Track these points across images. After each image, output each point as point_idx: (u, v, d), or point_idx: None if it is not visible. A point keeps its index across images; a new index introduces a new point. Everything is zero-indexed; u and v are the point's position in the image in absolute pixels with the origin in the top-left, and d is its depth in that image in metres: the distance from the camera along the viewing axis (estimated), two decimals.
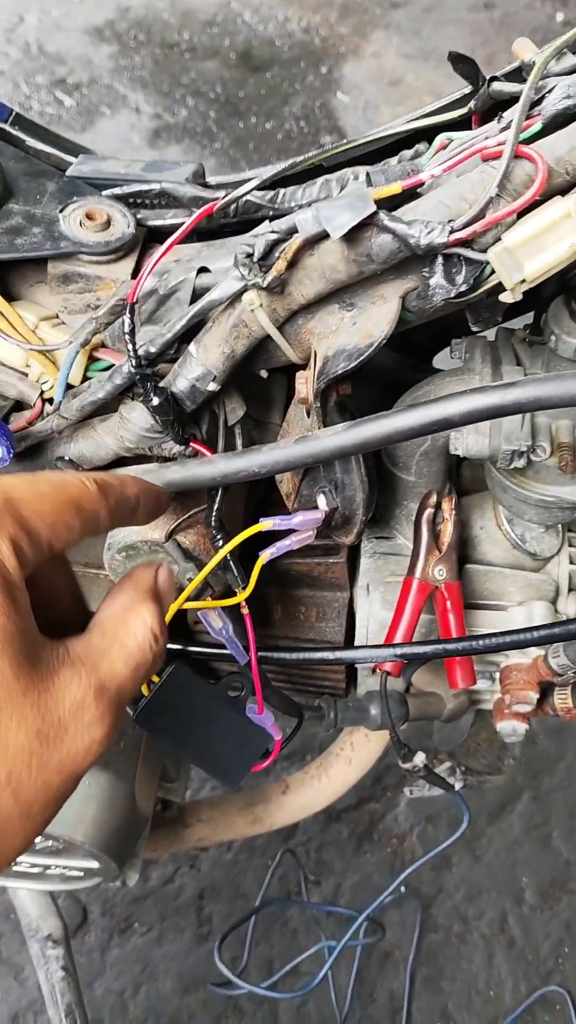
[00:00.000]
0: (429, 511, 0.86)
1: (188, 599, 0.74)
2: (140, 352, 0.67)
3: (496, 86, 0.65)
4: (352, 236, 0.61)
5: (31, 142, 0.81)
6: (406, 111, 0.76)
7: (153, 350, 0.68)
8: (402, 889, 1.71)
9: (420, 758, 0.92)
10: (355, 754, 1.25)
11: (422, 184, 0.61)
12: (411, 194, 0.64)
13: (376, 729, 0.95)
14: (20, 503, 0.47)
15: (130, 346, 0.64)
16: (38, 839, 0.90)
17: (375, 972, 1.66)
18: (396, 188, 0.60)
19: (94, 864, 0.93)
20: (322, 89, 3.27)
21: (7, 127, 0.81)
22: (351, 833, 1.79)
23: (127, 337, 0.64)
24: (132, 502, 0.56)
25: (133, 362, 0.65)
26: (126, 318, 0.64)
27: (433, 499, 0.86)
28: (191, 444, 0.71)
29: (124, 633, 0.53)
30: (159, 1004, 1.60)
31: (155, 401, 0.65)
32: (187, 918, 1.68)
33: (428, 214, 0.60)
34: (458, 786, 0.95)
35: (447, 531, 0.87)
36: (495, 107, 0.66)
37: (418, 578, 0.86)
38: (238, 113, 3.19)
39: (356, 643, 0.95)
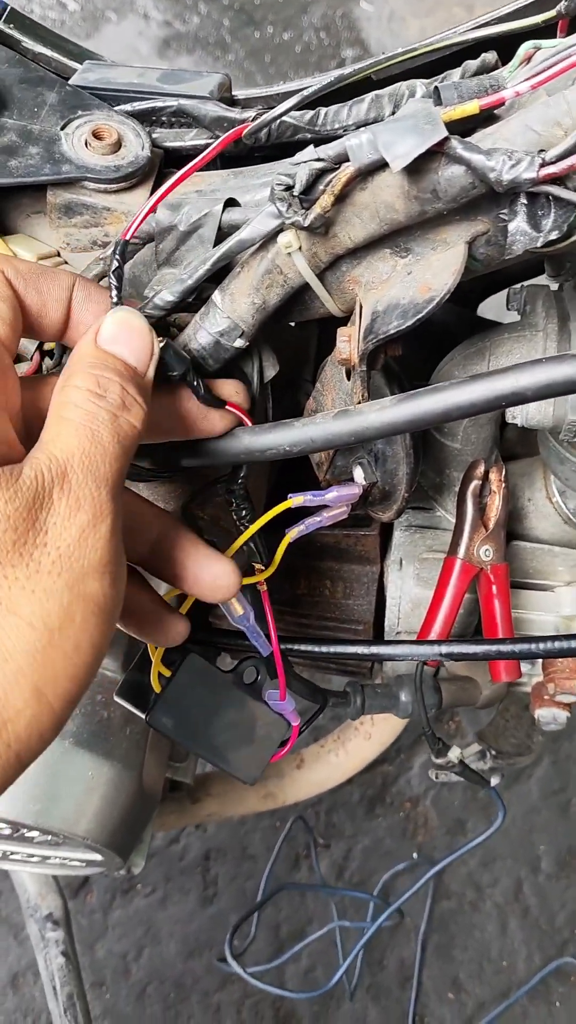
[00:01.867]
0: (476, 483, 0.77)
1: None
2: (157, 301, 0.57)
3: None
4: (415, 167, 0.50)
5: (28, 43, 0.69)
6: (433, 24, 0.64)
7: (171, 298, 0.58)
8: (414, 855, 1.65)
9: (455, 753, 0.85)
10: (375, 729, 1.18)
11: (502, 104, 0.50)
12: (486, 117, 0.52)
13: (406, 718, 0.87)
14: None
15: (114, 292, 0.53)
16: (35, 833, 0.82)
17: (385, 939, 1.62)
18: (472, 108, 0.49)
19: (96, 857, 0.86)
20: None
21: (0, 25, 0.69)
22: (362, 796, 1.73)
23: (112, 280, 0.53)
24: (55, 287, 0.50)
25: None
26: (115, 259, 0.52)
27: (480, 469, 0.77)
28: (228, 408, 0.59)
29: (61, 404, 0.45)
30: (162, 967, 1.56)
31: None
32: (192, 879, 1.63)
33: (512, 142, 0.49)
34: (494, 781, 0.88)
35: (495, 505, 0.78)
36: None
37: (461, 558, 0.77)
38: (253, 22, 2.98)
39: (386, 622, 0.87)
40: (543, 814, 1.74)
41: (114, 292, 0.52)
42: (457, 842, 1.61)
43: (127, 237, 0.53)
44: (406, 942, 1.62)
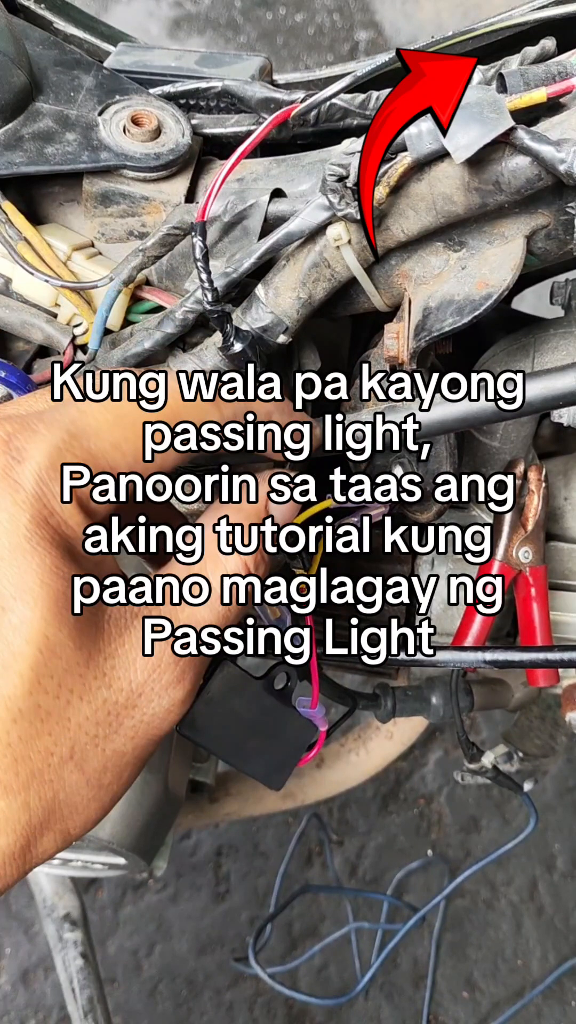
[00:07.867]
0: (516, 483, 0.74)
1: None
2: (199, 295, 0.54)
3: None
4: (478, 158, 0.47)
5: (60, 24, 0.67)
6: (448, 7, 0.62)
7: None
8: (429, 853, 1.64)
9: (489, 758, 0.83)
10: (396, 728, 1.16)
11: (571, 91, 0.48)
12: (550, 106, 0.50)
13: (438, 722, 0.85)
14: (89, 437, 0.39)
15: (204, 276, 0.51)
16: None
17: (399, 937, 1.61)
18: (540, 96, 0.47)
19: (120, 860, 0.85)
20: None
21: (31, 4, 0.67)
22: (376, 792, 1.71)
23: (199, 265, 0.51)
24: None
25: (209, 296, 0.52)
26: (197, 241, 0.51)
27: (520, 468, 0.75)
28: None
29: (212, 565, 0.44)
30: (174, 964, 1.55)
31: (236, 348, 0.53)
32: (204, 876, 1.61)
33: None
34: (527, 786, 0.86)
35: (534, 505, 0.76)
36: None
37: (500, 560, 0.75)
38: (265, 3, 2.94)
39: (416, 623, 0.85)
40: (558, 812, 1.72)
41: (204, 276, 0.50)
42: (471, 840, 1.59)
43: (204, 218, 0.51)
44: (420, 941, 1.61)
